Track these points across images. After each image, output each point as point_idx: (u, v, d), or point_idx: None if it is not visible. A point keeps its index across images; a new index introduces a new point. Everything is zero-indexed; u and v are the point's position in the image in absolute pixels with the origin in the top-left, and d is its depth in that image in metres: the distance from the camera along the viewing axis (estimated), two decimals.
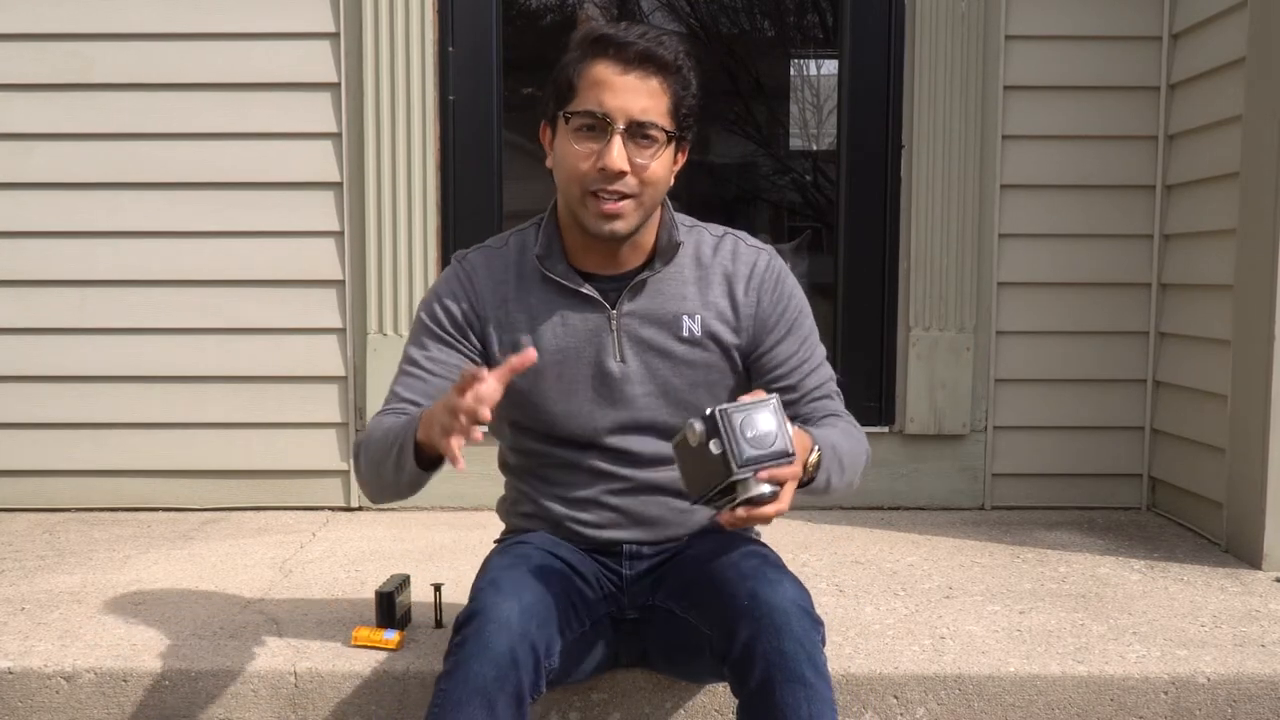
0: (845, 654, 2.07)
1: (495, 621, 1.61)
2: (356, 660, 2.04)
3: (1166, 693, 2.01)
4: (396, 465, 1.70)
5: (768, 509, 1.54)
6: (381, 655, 2.06)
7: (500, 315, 1.85)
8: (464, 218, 3.25)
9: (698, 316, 1.85)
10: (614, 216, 1.75)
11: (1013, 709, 2.01)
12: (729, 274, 1.86)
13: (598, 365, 1.84)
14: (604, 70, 1.72)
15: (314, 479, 3.26)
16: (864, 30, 3.24)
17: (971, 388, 3.23)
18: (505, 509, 2.02)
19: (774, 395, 1.57)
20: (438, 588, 2.19)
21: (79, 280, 3.21)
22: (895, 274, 3.26)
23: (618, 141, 1.71)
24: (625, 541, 1.88)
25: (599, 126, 1.72)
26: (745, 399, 1.55)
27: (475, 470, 3.12)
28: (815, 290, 3.30)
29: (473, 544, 2.78)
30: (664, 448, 1.85)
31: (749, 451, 1.51)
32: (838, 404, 1.91)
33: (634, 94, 1.71)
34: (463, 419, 1.51)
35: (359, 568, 2.66)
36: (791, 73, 3.91)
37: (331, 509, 3.26)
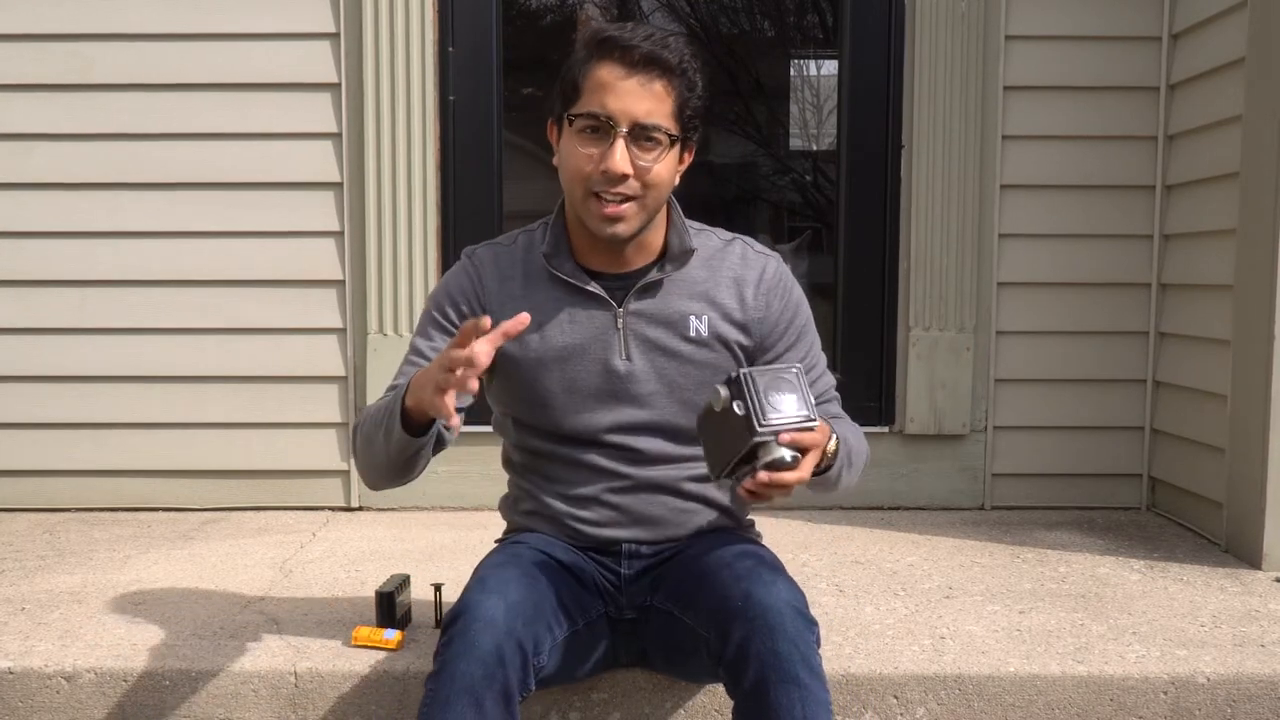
0: (845, 654, 2.08)
1: (481, 620, 1.61)
2: (356, 660, 2.04)
3: (1166, 693, 2.01)
4: (386, 433, 1.71)
5: (788, 475, 1.56)
6: (381, 655, 2.06)
7: (506, 312, 1.85)
8: (464, 218, 3.25)
9: (705, 317, 1.85)
10: (616, 219, 1.75)
11: (1013, 709, 2.01)
12: (738, 277, 1.88)
13: (604, 363, 1.85)
14: (608, 72, 1.72)
15: (314, 479, 3.26)
16: (864, 30, 3.25)
17: (971, 388, 3.24)
18: (507, 507, 2.02)
19: (797, 364, 1.61)
20: (438, 588, 2.19)
21: (79, 280, 3.21)
22: (895, 274, 3.26)
23: (620, 144, 1.72)
24: (624, 540, 1.88)
25: (602, 129, 1.73)
26: (768, 366, 1.57)
27: (475, 470, 3.18)
28: (815, 290, 3.30)
29: (473, 544, 2.78)
30: (667, 447, 1.86)
31: (772, 414, 1.54)
32: (839, 408, 1.93)
33: (638, 97, 1.72)
34: (459, 371, 1.52)
35: (359, 568, 2.66)
36: (791, 73, 3.91)
37: (331, 509, 3.27)
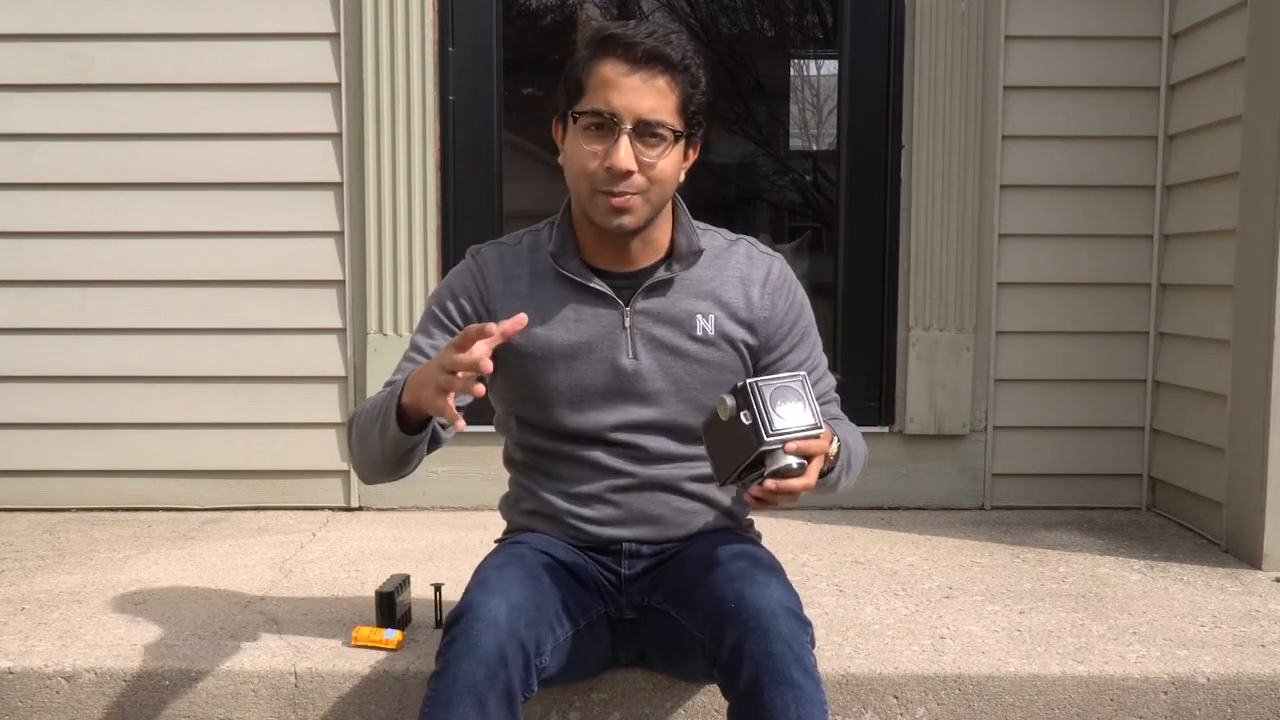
0: (845, 654, 2.08)
1: (483, 620, 1.61)
2: (356, 660, 2.04)
3: (1166, 693, 2.01)
4: (381, 429, 1.72)
5: (794, 482, 1.57)
6: (381, 655, 2.06)
7: (510, 310, 1.85)
8: (464, 218, 3.24)
9: (711, 316, 1.86)
10: (622, 211, 1.76)
11: (1013, 709, 2.01)
12: (744, 277, 1.89)
13: (611, 362, 1.85)
14: (611, 70, 1.73)
15: (314, 479, 3.26)
16: (864, 30, 3.25)
17: (971, 388, 3.24)
18: (508, 506, 2.02)
19: (802, 372, 1.63)
20: (438, 588, 2.19)
21: (79, 280, 3.21)
22: (895, 274, 3.26)
23: (625, 141, 1.72)
24: (625, 540, 1.89)
25: (606, 126, 1.74)
26: (774, 375, 1.58)
27: (475, 470, 3.18)
28: (815, 290, 3.29)
29: (473, 544, 2.78)
30: (671, 445, 1.87)
31: (779, 423, 1.55)
32: (838, 409, 1.94)
33: (641, 93, 1.72)
34: (461, 375, 1.53)
35: (359, 568, 2.66)
36: (791, 73, 3.91)
37: (331, 509, 3.26)
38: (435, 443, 1.81)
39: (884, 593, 2.46)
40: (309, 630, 2.19)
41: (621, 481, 1.87)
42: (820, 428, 1.59)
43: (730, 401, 1.58)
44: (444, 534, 2.97)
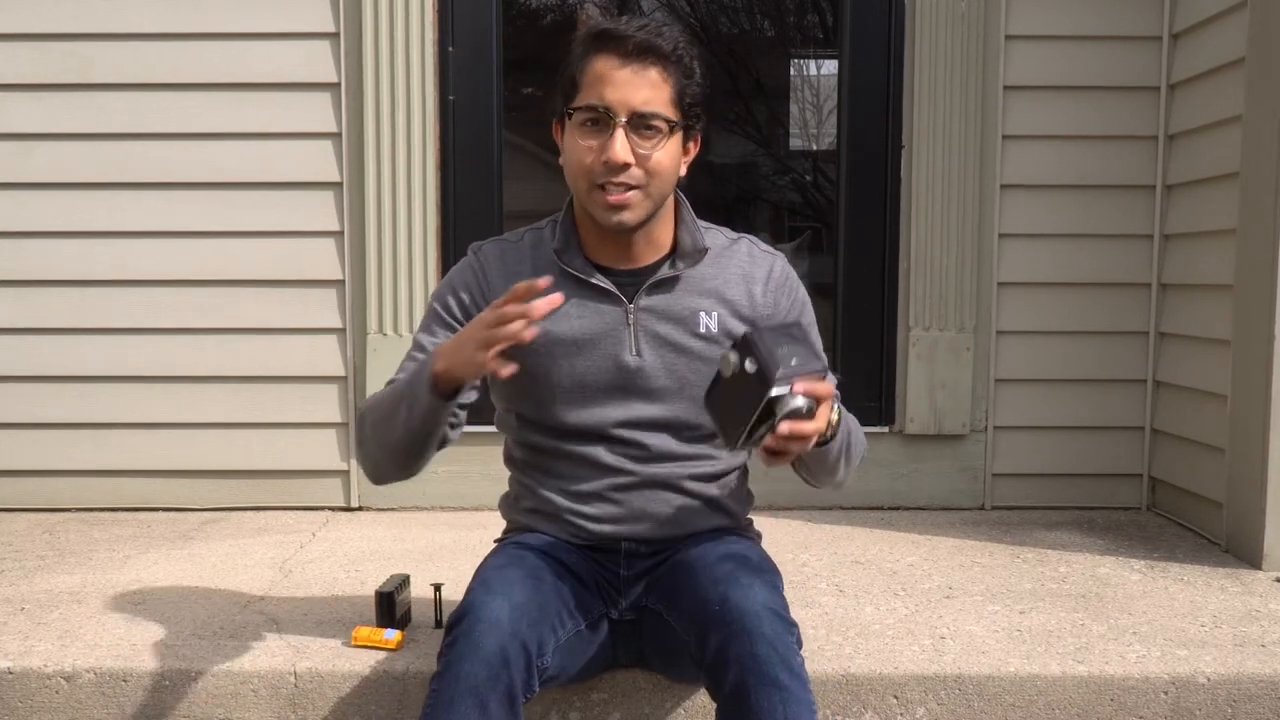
0: (845, 654, 2.07)
1: (485, 621, 1.62)
2: (356, 660, 2.04)
3: (1166, 693, 2.01)
4: (410, 404, 1.71)
5: (806, 425, 1.56)
6: (381, 655, 2.06)
7: None
8: (464, 218, 3.24)
9: (715, 314, 1.87)
10: (621, 207, 1.76)
11: (1013, 709, 2.01)
12: (747, 274, 1.89)
13: (614, 359, 1.85)
14: (604, 64, 1.74)
15: (314, 479, 3.26)
16: (864, 30, 3.25)
17: (971, 388, 3.24)
18: (507, 505, 2.02)
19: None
20: (438, 588, 2.19)
21: (78, 280, 3.21)
22: (895, 274, 3.26)
23: (620, 134, 1.73)
24: (625, 538, 1.88)
25: (601, 120, 1.74)
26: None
27: (475, 470, 3.18)
28: (815, 290, 3.28)
29: (473, 544, 2.78)
30: (673, 444, 1.87)
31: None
32: (839, 405, 1.92)
33: (634, 86, 1.73)
34: (516, 325, 1.56)
35: (359, 568, 2.66)
36: (791, 73, 3.91)
37: (331, 509, 3.26)
38: (443, 443, 1.81)
39: (884, 593, 2.46)
40: (309, 630, 2.19)
41: (622, 480, 1.87)
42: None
43: (733, 357, 1.56)
44: (444, 534, 2.97)
